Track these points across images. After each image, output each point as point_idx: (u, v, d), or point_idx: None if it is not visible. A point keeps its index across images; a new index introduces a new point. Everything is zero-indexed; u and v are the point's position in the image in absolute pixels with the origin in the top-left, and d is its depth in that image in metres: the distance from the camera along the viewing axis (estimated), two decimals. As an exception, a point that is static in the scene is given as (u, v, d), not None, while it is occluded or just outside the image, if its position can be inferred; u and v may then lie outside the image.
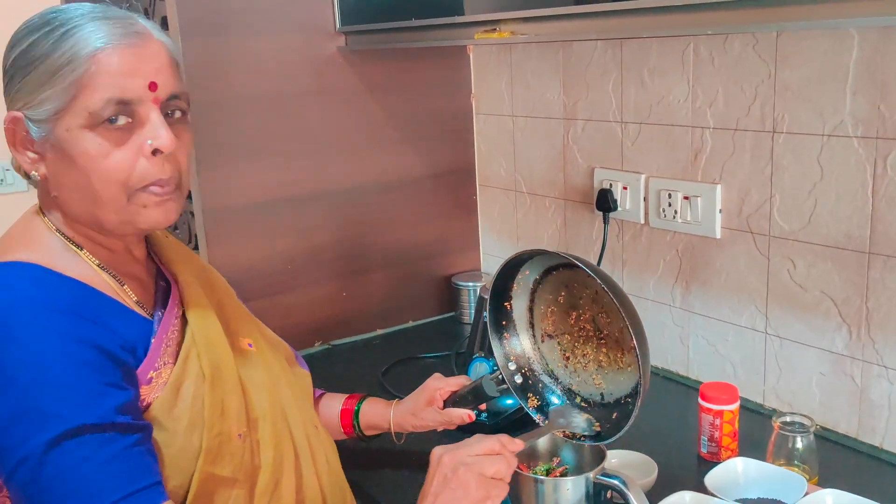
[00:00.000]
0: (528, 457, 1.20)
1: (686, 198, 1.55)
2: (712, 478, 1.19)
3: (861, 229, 1.29)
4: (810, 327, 1.40)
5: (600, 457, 1.14)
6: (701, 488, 1.17)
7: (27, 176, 0.95)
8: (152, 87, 0.90)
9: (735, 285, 1.51)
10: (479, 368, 1.50)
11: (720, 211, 1.50)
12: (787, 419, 1.25)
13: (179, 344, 0.98)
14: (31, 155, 0.92)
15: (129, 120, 0.90)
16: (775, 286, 1.44)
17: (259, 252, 1.79)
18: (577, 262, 1.07)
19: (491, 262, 2.13)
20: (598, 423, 1.16)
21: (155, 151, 0.91)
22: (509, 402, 1.44)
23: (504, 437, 1.01)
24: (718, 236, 1.52)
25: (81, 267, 0.94)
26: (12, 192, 2.42)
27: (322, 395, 1.33)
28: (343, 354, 1.88)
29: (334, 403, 1.31)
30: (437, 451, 0.99)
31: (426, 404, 1.25)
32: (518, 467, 1.13)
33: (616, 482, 1.09)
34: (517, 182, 1.98)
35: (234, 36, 1.70)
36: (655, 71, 1.57)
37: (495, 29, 1.41)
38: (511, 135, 1.97)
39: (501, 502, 0.98)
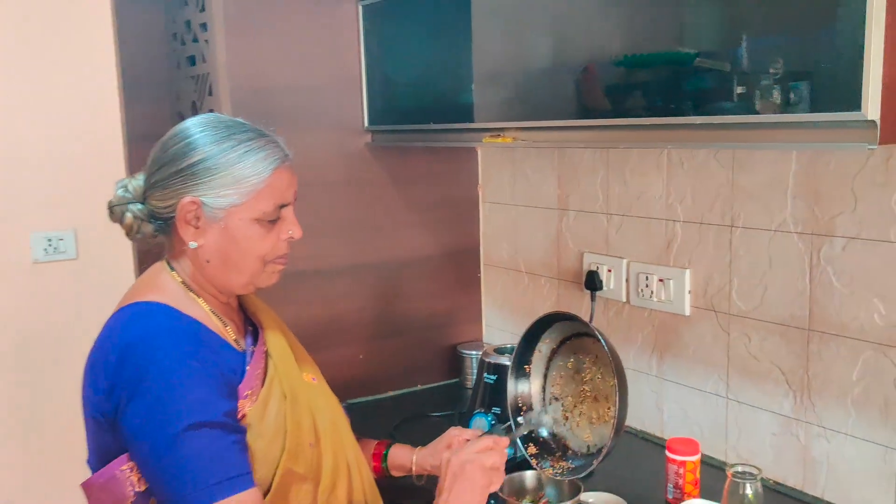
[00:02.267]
0: (517, 492, 1.43)
1: (661, 280, 1.81)
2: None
3: (802, 310, 1.55)
4: (763, 393, 1.64)
5: (577, 492, 1.37)
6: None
7: (137, 235, 1.26)
8: (294, 195, 1.27)
9: (701, 356, 1.75)
10: (479, 423, 1.74)
11: (689, 292, 1.76)
12: (739, 469, 1.46)
13: (264, 372, 1.26)
14: (194, 229, 1.21)
15: (279, 217, 1.24)
16: (734, 357, 1.69)
17: (289, 316, 2.02)
18: (591, 327, 1.40)
19: (493, 333, 2.37)
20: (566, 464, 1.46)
21: (289, 238, 1.26)
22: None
23: (495, 437, 1.29)
24: (688, 314, 1.77)
25: (197, 310, 1.23)
26: (64, 260, 2.66)
27: (358, 439, 1.57)
28: (358, 412, 2.11)
29: (365, 448, 1.55)
30: (446, 456, 1.25)
31: (445, 448, 1.48)
32: (508, 500, 1.37)
33: None
34: (517, 263, 2.24)
35: (281, 129, 1.99)
36: (636, 171, 1.85)
37: (500, 134, 1.70)
38: (513, 221, 2.24)
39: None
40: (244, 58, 1.97)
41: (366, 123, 2.12)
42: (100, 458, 1.19)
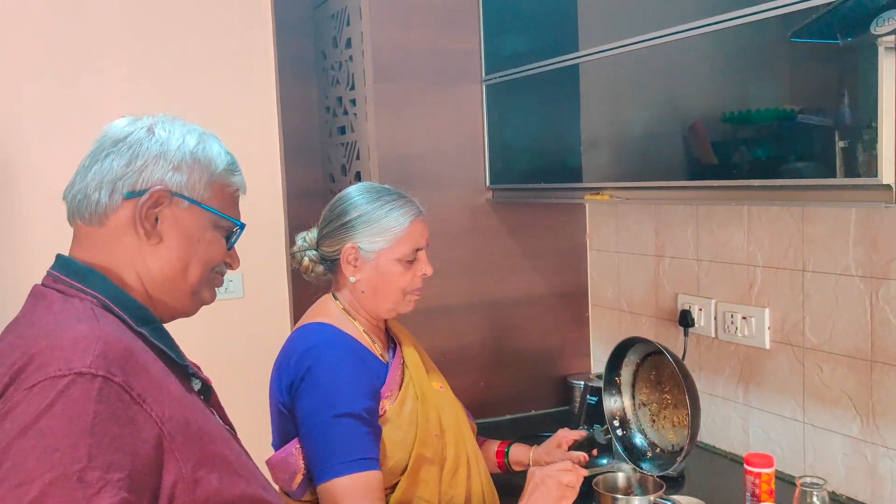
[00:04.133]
0: (611, 489, 1.72)
1: (744, 318, 2.06)
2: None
3: (864, 343, 1.77)
4: (834, 417, 1.86)
5: (660, 489, 1.65)
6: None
7: (311, 274, 1.67)
8: (427, 242, 1.65)
9: (780, 385, 1.99)
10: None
11: (768, 328, 2.00)
12: (808, 480, 1.70)
13: (401, 379, 1.62)
14: (353, 268, 1.61)
15: (415, 258, 1.63)
16: (809, 386, 1.91)
17: (422, 345, 2.41)
18: (660, 347, 1.72)
19: (599, 366, 2.65)
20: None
21: (423, 274, 1.64)
22: (604, 461, 1.96)
23: (577, 457, 1.66)
24: (768, 347, 2.01)
25: (353, 329, 1.62)
26: (232, 298, 3.10)
27: (483, 441, 1.91)
28: (480, 430, 2.43)
29: (490, 447, 1.90)
30: (532, 470, 1.53)
31: (555, 447, 1.81)
32: (604, 495, 1.66)
33: (669, 503, 1.59)
34: (620, 303, 2.53)
35: (418, 188, 2.38)
36: (721, 223, 2.12)
37: (599, 192, 2.02)
38: (616, 266, 2.54)
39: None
40: (389, 130, 2.38)
41: (487, 182, 2.49)
42: (282, 441, 1.59)
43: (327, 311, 1.64)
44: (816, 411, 1.90)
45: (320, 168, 2.98)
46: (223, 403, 2.48)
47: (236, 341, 2.60)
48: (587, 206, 2.65)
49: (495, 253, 2.51)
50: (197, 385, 1.11)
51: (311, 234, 1.69)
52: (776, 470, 1.78)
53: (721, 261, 2.13)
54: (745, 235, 2.05)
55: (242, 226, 1.16)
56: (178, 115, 1.17)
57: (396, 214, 1.60)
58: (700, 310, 2.19)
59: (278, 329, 2.64)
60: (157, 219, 1.06)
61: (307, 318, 1.64)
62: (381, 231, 1.59)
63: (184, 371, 1.07)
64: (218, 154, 1.11)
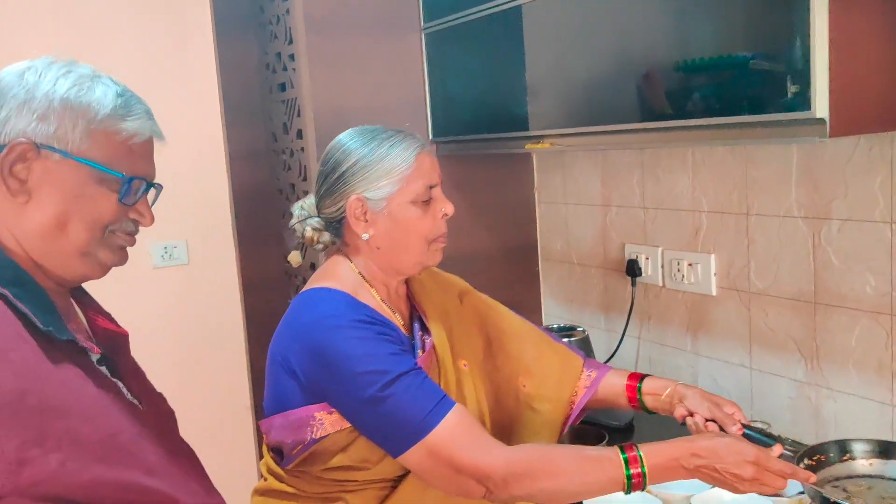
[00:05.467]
0: None
1: (690, 265, 2.03)
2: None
3: (808, 285, 1.75)
4: (780, 362, 1.84)
5: (602, 440, 1.62)
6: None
7: (317, 245, 1.46)
8: (439, 176, 1.42)
9: (728, 332, 1.97)
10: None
11: (714, 274, 1.97)
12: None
13: (434, 364, 1.41)
14: (364, 223, 1.38)
15: (430, 197, 1.39)
16: (755, 331, 1.89)
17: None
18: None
19: (551, 320, 2.62)
20: None
21: (443, 216, 1.41)
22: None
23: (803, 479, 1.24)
24: (714, 294, 1.98)
25: (370, 299, 1.40)
26: (176, 266, 2.99)
27: (597, 372, 1.58)
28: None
29: (616, 379, 1.56)
30: (753, 450, 1.21)
31: (716, 405, 1.41)
32: None
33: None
34: (570, 256, 2.50)
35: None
36: (666, 170, 2.08)
37: (541, 140, 1.96)
38: (565, 219, 2.49)
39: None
40: (324, 85, 2.30)
41: (430, 136, 2.42)
42: (279, 401, 1.37)
43: (339, 274, 1.42)
44: (763, 356, 1.89)
45: (261, 127, 2.89)
46: (167, 373, 2.37)
47: (182, 310, 2.53)
48: (535, 157, 2.59)
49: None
50: (95, 357, 1.02)
51: (309, 201, 1.49)
52: (722, 416, 1.76)
53: (667, 208, 2.09)
54: (690, 181, 2.01)
55: (129, 179, 1.02)
56: (108, 74, 1.07)
57: (398, 150, 1.38)
58: (647, 259, 2.16)
59: (226, 297, 2.57)
60: (27, 174, 0.96)
61: (314, 282, 1.42)
62: (385, 173, 1.37)
63: (64, 340, 0.96)
64: (101, 98, 1.00)
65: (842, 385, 1.71)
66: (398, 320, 1.43)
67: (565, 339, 2.00)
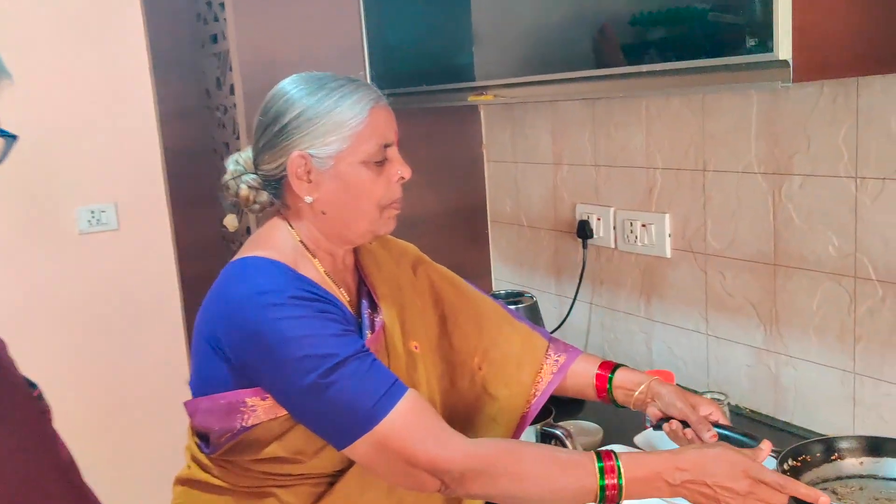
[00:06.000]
0: None
1: (644, 225, 1.91)
2: (640, 437, 1.54)
3: (767, 246, 1.64)
4: (738, 327, 1.74)
5: (548, 414, 1.50)
6: (632, 445, 1.52)
7: (254, 206, 1.28)
8: (396, 135, 1.25)
9: (683, 296, 1.86)
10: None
11: (669, 235, 1.86)
12: (707, 395, 1.58)
13: (382, 346, 1.26)
14: (307, 184, 1.20)
15: (385, 158, 1.23)
16: (711, 295, 1.79)
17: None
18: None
19: (501, 285, 2.50)
20: None
21: (399, 179, 1.25)
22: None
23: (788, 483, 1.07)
24: (669, 256, 1.87)
25: (312, 271, 1.22)
26: (105, 231, 2.82)
27: (566, 356, 1.44)
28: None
29: (585, 366, 1.42)
30: (731, 458, 1.07)
31: (690, 407, 1.29)
32: None
33: (559, 433, 1.45)
34: (519, 217, 2.37)
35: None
36: (619, 124, 1.95)
37: (483, 93, 1.82)
38: (514, 178, 2.36)
39: None
40: (252, 34, 2.12)
41: (370, 90, 2.25)
42: (206, 382, 1.21)
43: (276, 241, 1.24)
44: (719, 322, 1.78)
45: (195, 83, 2.70)
46: (97, 346, 2.16)
47: (111, 278, 2.38)
48: (482, 113, 2.45)
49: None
50: None
51: (245, 154, 1.29)
52: (679, 385, 1.65)
53: (620, 165, 1.96)
54: (644, 136, 1.88)
55: None
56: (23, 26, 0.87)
57: (349, 103, 1.19)
58: (599, 219, 2.04)
59: (160, 264, 2.42)
60: None
61: (249, 249, 1.24)
62: (333, 128, 1.18)
63: None
64: None
65: (802, 352, 1.61)
66: (343, 296, 1.25)
67: (512, 307, 1.88)
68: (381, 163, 1.22)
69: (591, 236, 2.05)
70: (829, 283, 1.53)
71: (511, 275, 2.45)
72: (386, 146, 1.23)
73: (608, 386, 1.38)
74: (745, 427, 1.60)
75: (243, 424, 1.17)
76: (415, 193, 2.35)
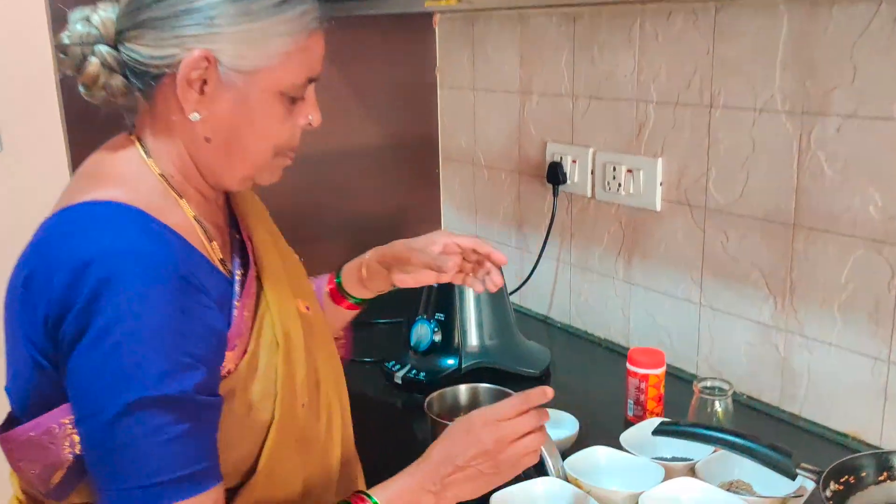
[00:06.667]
0: (450, 409, 1.25)
1: (629, 171, 1.59)
2: (628, 436, 1.24)
3: (787, 202, 1.33)
4: (741, 297, 1.44)
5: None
6: (618, 446, 1.21)
7: (99, 92, 0.91)
8: (321, 69, 0.96)
9: (673, 257, 1.55)
10: (421, 330, 1.55)
11: (661, 184, 1.54)
12: (708, 384, 1.29)
13: (255, 309, 0.94)
14: (198, 95, 0.88)
15: (302, 96, 0.94)
16: (709, 258, 1.48)
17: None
18: None
19: (451, 234, 2.17)
20: None
21: (307, 125, 0.97)
22: (450, 361, 1.50)
23: (533, 401, 0.98)
24: (658, 209, 1.56)
25: (178, 216, 0.89)
26: None
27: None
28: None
29: (318, 286, 1.28)
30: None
31: (432, 245, 1.19)
32: (440, 417, 1.18)
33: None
34: (476, 155, 2.02)
35: None
36: (605, 47, 1.60)
37: (443, -3, 1.45)
38: (472, 108, 2.01)
39: None
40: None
41: (302, -7, 1.86)
42: (25, 395, 0.87)
43: (129, 176, 0.90)
44: (717, 290, 1.48)
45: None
46: None
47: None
48: (437, 28, 2.07)
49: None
50: None
51: (106, 14, 0.89)
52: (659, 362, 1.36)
53: (603, 97, 1.63)
54: (636, 61, 1.54)
55: None
56: None
57: (291, 15, 0.89)
58: (574, 162, 1.71)
59: (53, 191, 2.01)
60: None
61: (87, 185, 0.88)
62: (261, 37, 0.88)
63: None
64: None
65: (821, 332, 1.33)
66: (214, 252, 0.92)
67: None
68: (296, 100, 0.94)
69: (564, 182, 1.72)
70: (865, 250, 1.24)
71: (464, 223, 2.11)
72: (311, 80, 0.95)
73: (338, 281, 1.27)
74: (743, 418, 1.33)
75: (75, 452, 0.83)
76: (354, 122, 1.99)
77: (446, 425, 1.01)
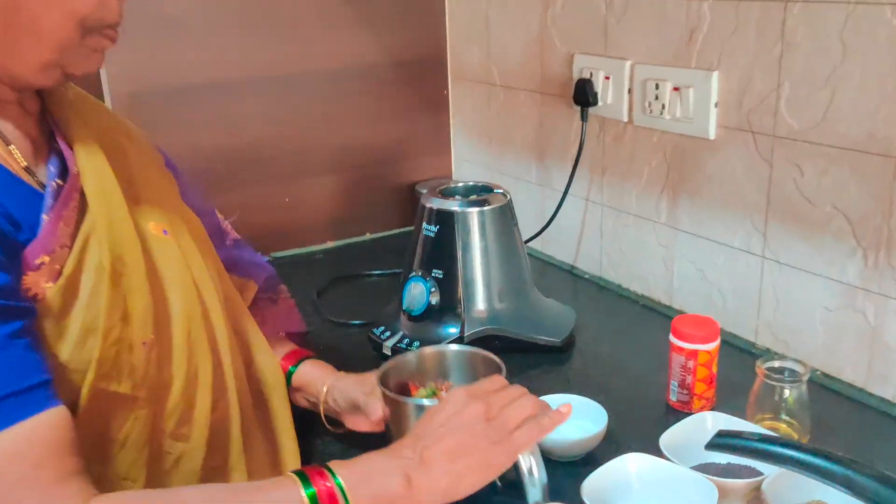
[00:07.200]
0: (418, 376, 0.99)
1: (676, 89, 1.27)
2: (670, 437, 0.95)
3: (889, 127, 1.01)
4: (818, 251, 1.13)
5: (499, 371, 0.93)
6: (656, 449, 0.93)
7: None
8: None
9: (730, 197, 1.24)
10: (415, 289, 1.26)
11: (716, 105, 1.22)
12: (776, 364, 1.01)
13: (75, 226, 0.80)
14: None
15: None
16: (778, 199, 1.17)
17: (181, 148, 1.53)
18: None
19: (463, 167, 1.87)
20: None
21: None
22: (451, 330, 1.22)
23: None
24: (712, 137, 1.24)
25: None
26: None
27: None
28: (282, 269, 1.65)
29: (280, 349, 1.10)
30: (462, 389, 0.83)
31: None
32: (409, 386, 0.95)
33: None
34: (491, 74, 1.70)
35: None
36: (647, -71, 1.27)
37: None
38: (486, 18, 1.68)
39: None
40: None
41: None
42: None
43: None
44: (787, 240, 1.17)
45: None
46: None
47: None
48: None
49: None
50: None
51: None
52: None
53: (644, -5, 1.30)
54: (687, -54, 1.21)
55: None
56: None
57: None
58: (607, 78, 1.39)
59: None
60: None
61: None
62: None
63: None
64: None
65: (927, 298, 1.02)
66: (14, 159, 0.78)
67: (475, 208, 1.25)
68: None
69: (595, 103, 1.41)
70: None
71: (477, 153, 1.81)
72: None
73: (291, 370, 1.06)
74: (818, 406, 1.05)
75: None
76: (344, 36, 1.67)
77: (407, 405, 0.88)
